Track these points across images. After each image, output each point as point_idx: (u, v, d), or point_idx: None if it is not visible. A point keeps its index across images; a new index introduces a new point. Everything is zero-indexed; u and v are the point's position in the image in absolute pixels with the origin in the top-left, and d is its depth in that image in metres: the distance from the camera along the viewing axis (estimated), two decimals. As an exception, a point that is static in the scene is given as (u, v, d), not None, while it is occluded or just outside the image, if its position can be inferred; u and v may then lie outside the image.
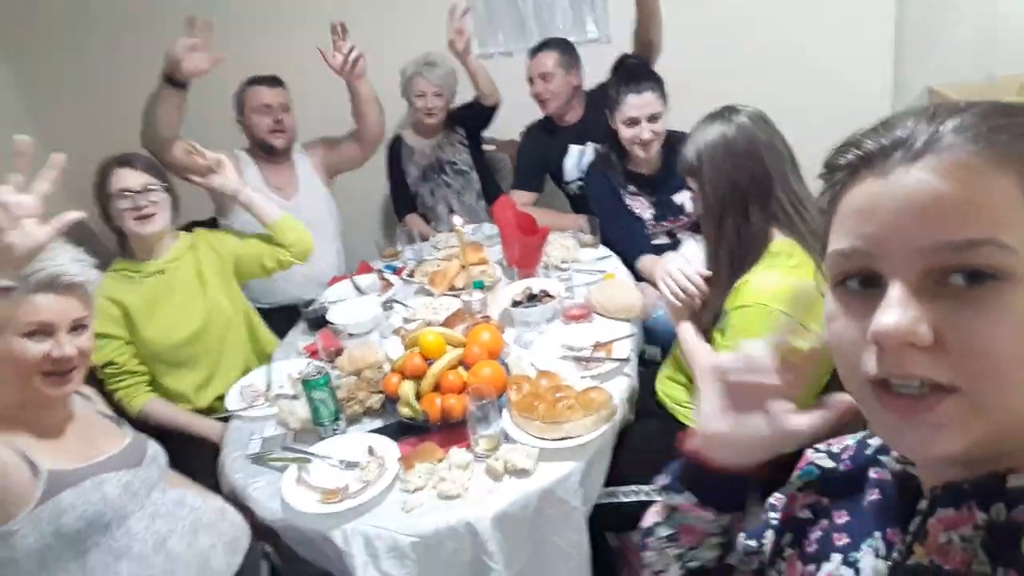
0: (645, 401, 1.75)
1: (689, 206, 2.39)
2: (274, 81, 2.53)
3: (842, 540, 0.65)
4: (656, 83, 2.25)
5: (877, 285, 0.50)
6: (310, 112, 2.71)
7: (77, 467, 1.26)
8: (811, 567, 0.66)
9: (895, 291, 0.48)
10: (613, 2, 3.00)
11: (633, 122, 2.23)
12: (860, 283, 0.52)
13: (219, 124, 2.54)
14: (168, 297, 1.98)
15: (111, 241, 2.01)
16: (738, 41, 2.98)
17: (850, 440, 0.72)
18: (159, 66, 2.03)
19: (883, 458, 0.66)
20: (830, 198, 0.56)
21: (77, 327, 1.32)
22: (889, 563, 0.59)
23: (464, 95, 2.88)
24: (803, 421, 0.63)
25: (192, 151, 2.08)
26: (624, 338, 1.83)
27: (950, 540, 0.53)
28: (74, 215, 1.11)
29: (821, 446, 0.74)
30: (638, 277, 2.27)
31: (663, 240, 2.42)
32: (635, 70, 2.36)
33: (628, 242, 2.39)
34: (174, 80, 2.03)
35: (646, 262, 2.30)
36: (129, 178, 1.89)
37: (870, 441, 0.70)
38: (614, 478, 1.55)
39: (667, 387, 1.72)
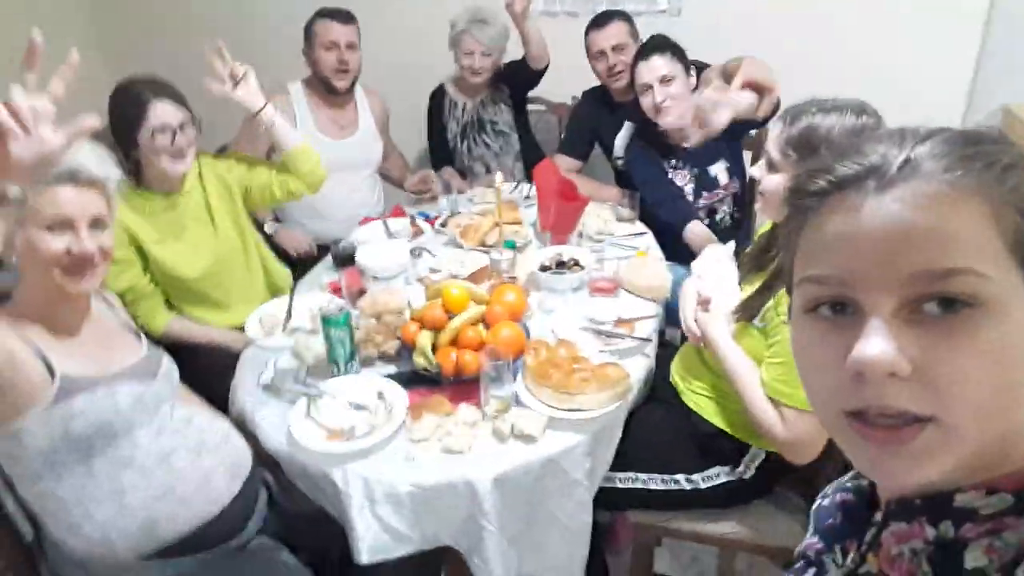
0: (658, 385, 1.72)
1: (724, 178, 2.35)
2: (346, 17, 2.47)
3: (812, 555, 0.70)
4: (667, 48, 2.24)
5: (850, 312, 0.51)
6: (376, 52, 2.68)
7: (92, 374, 1.27)
8: None
9: (875, 321, 0.48)
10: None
11: (646, 88, 2.23)
12: (832, 309, 0.52)
13: (277, 53, 2.51)
14: (180, 232, 1.93)
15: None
16: (815, 35, 2.86)
17: (840, 478, 0.75)
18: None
19: (849, 484, 0.70)
20: (797, 223, 0.56)
21: (96, 223, 1.29)
22: (844, 571, 0.63)
23: (512, 52, 2.80)
24: None
25: (219, 57, 1.92)
26: (648, 318, 1.80)
27: (901, 552, 0.56)
28: (91, 121, 1.03)
29: (820, 495, 0.77)
30: (670, 256, 2.22)
31: (702, 217, 2.38)
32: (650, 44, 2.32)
33: (674, 210, 2.35)
34: None
35: (695, 230, 2.28)
36: (168, 112, 1.79)
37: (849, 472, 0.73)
38: (617, 460, 1.53)
39: (682, 369, 1.69)
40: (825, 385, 0.53)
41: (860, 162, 0.52)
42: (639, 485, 1.56)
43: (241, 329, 1.95)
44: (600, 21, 2.53)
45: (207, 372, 1.68)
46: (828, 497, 0.74)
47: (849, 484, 0.70)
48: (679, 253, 2.23)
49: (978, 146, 0.50)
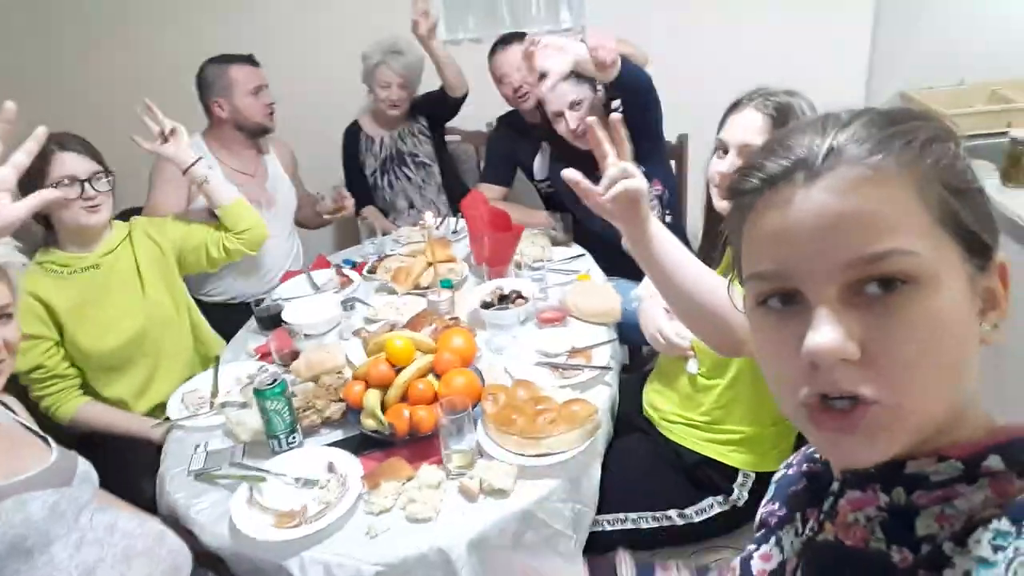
0: (631, 415, 1.64)
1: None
2: (255, 60, 2.38)
3: (774, 521, 0.72)
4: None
5: (797, 302, 0.53)
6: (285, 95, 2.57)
7: None
8: (751, 546, 0.74)
9: (821, 310, 0.50)
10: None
11: (558, 116, 2.19)
12: (781, 301, 0.54)
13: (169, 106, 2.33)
14: (103, 297, 1.77)
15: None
16: (714, 37, 2.91)
17: (806, 448, 0.75)
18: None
19: (816, 454, 0.72)
20: (737, 221, 0.58)
21: (0, 316, 1.17)
22: (803, 539, 0.66)
23: (428, 83, 2.73)
24: None
25: (148, 112, 1.87)
26: (603, 344, 1.72)
27: (856, 520, 0.58)
28: (53, 194, 1.03)
29: (782, 464, 0.79)
30: (611, 271, 2.15)
31: None
32: None
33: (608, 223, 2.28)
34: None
35: None
36: (75, 163, 1.67)
37: None
38: (602, 502, 1.44)
39: (654, 399, 1.61)
40: (783, 375, 0.54)
41: (788, 156, 0.53)
42: (629, 526, 1.47)
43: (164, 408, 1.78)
44: (502, 43, 2.47)
45: (127, 469, 1.50)
46: (793, 466, 0.75)
47: (817, 455, 0.72)
48: (620, 266, 2.15)
49: (897, 125, 0.52)
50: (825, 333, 0.49)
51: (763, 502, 0.78)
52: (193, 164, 1.90)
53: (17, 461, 1.19)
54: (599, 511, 1.44)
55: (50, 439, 1.31)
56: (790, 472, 0.75)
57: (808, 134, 0.53)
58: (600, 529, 1.46)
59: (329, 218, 2.63)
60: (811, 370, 0.51)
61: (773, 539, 0.71)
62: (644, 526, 1.47)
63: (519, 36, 2.49)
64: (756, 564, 0.72)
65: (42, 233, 1.77)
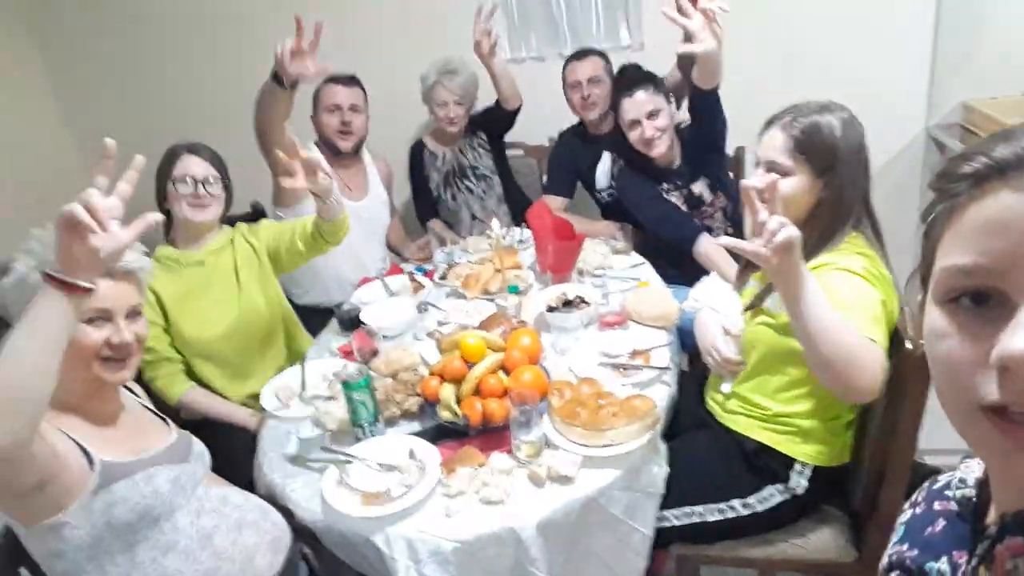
0: (692, 412, 1.73)
1: (708, 195, 2.42)
2: (350, 80, 2.56)
3: (909, 564, 0.67)
4: (648, 82, 2.30)
5: (994, 304, 0.48)
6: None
7: (129, 460, 1.27)
8: None
9: None
10: (647, 9, 2.97)
11: (634, 124, 2.30)
12: (972, 300, 0.49)
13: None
14: (204, 291, 1.98)
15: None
16: (775, 49, 2.97)
17: (926, 483, 0.73)
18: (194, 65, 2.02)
19: (948, 492, 0.68)
20: (947, 209, 0.53)
21: (132, 313, 1.35)
22: None
23: (485, 99, 2.88)
24: None
25: (292, 148, 1.84)
26: (662, 346, 1.81)
27: (1016, 567, 0.53)
28: (154, 216, 1.13)
29: (906, 504, 0.75)
30: (670, 280, 2.23)
31: None
32: (627, 75, 2.41)
33: (680, 224, 2.36)
34: (279, 79, 2.02)
35: (704, 245, 2.26)
36: (194, 166, 1.94)
37: (939, 478, 0.72)
38: (668, 497, 1.53)
39: (715, 393, 1.70)
40: (961, 378, 0.50)
41: None
42: (695, 520, 1.56)
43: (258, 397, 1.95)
44: (579, 55, 2.67)
45: (227, 452, 1.66)
46: (921, 505, 0.72)
47: (949, 493, 0.68)
48: (680, 273, 2.25)
49: None
50: None
51: (891, 543, 0.74)
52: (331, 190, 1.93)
53: (143, 440, 1.36)
54: (667, 506, 1.54)
55: (169, 420, 1.48)
56: (918, 511, 0.72)
57: None
58: (668, 524, 1.56)
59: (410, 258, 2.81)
60: (1001, 377, 0.46)
61: None
62: (710, 519, 1.55)
63: (595, 51, 2.69)
64: None
65: (163, 225, 2.01)
